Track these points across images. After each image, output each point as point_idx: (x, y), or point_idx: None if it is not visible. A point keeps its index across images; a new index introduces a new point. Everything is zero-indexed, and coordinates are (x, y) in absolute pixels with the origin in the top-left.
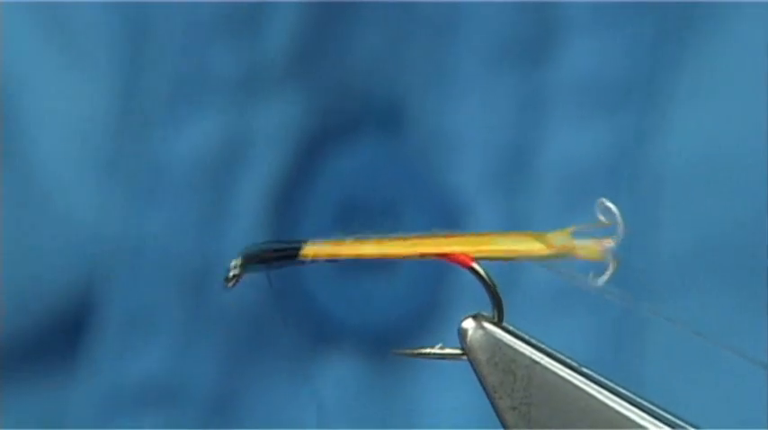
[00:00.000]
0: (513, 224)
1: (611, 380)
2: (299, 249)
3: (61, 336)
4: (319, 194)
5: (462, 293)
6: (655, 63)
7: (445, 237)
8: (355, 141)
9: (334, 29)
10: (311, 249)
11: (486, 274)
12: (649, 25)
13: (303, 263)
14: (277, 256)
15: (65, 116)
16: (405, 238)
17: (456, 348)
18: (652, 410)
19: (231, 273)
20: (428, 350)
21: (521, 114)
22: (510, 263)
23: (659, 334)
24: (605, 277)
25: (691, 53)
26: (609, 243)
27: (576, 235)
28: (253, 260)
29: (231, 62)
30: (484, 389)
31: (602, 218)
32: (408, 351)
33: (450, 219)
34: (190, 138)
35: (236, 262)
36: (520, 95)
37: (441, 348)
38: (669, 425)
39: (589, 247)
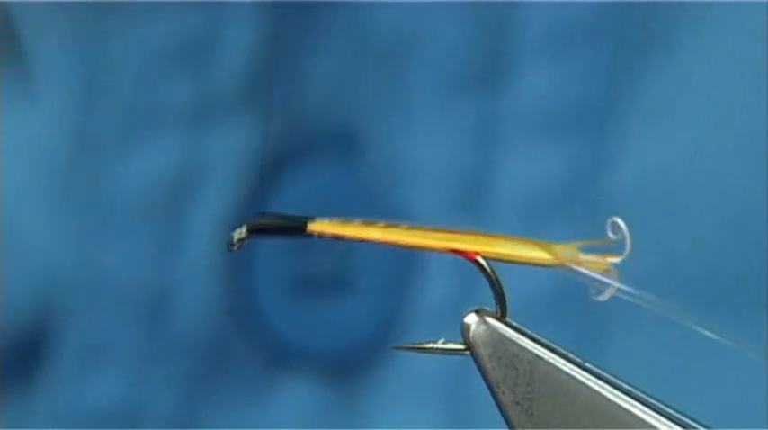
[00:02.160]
0: None
1: (613, 376)
2: (305, 224)
3: (16, 365)
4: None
5: (422, 316)
6: (611, 89)
7: (453, 232)
8: (310, 167)
9: (290, 56)
10: (318, 225)
11: (491, 269)
12: (605, 52)
13: (310, 236)
14: (283, 229)
15: (18, 147)
16: (412, 228)
17: (459, 343)
18: (654, 405)
19: (236, 238)
20: (431, 345)
21: (477, 141)
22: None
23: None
24: (607, 294)
25: (647, 79)
26: (614, 259)
27: (583, 250)
28: (258, 230)
29: (185, 90)
30: (486, 384)
31: (611, 235)
32: (411, 345)
33: None
34: (144, 167)
35: (240, 230)
36: (476, 122)
37: (444, 343)
38: (671, 420)
39: (594, 262)
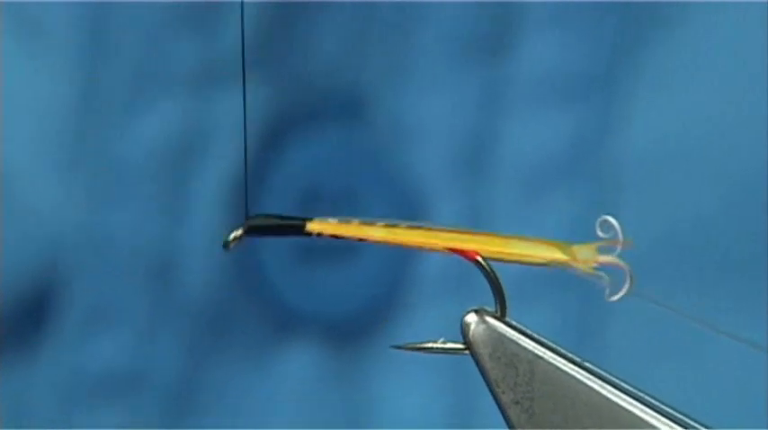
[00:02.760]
0: (474, 214)
1: (613, 375)
2: (303, 224)
3: (22, 327)
4: (280, 184)
5: (424, 283)
6: (616, 55)
7: (459, 232)
8: (315, 132)
9: (296, 20)
10: (317, 225)
11: (491, 269)
12: (611, 17)
13: (308, 235)
14: (282, 229)
15: (24, 110)
16: (414, 227)
17: (458, 342)
18: (654, 405)
19: (231, 238)
20: (430, 345)
21: (481, 106)
22: None
23: (648, 321)
24: (620, 295)
25: (652, 45)
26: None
27: (601, 251)
28: (257, 231)
29: (191, 54)
30: (486, 383)
31: (600, 233)
32: (410, 345)
33: (410, 209)
34: (150, 130)
35: (237, 231)
36: (481, 87)
37: (443, 343)
38: (671, 420)
39: (611, 263)
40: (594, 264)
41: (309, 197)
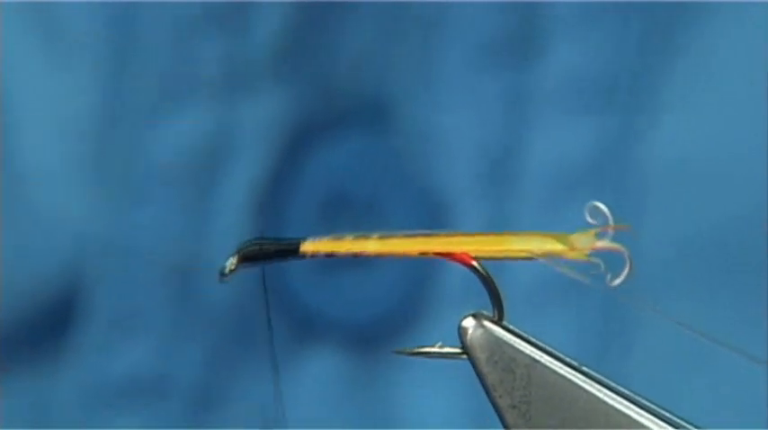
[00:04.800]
0: (499, 222)
1: (611, 379)
2: (297, 246)
3: (47, 332)
4: (305, 191)
5: (450, 292)
6: (642, 62)
7: (451, 235)
8: (341, 138)
9: (321, 26)
10: (310, 245)
11: (487, 273)
12: (637, 24)
13: (303, 257)
14: (276, 254)
15: (50, 114)
16: (407, 236)
17: (456, 347)
18: (652, 409)
19: (227, 269)
20: (428, 349)
21: (507, 114)
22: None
23: (658, 333)
24: (621, 278)
25: (679, 53)
26: (617, 246)
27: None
28: (251, 258)
29: (217, 59)
30: (484, 387)
31: (590, 219)
32: (408, 350)
33: (435, 217)
34: (175, 135)
35: (232, 259)
36: (506, 95)
37: (440, 347)
38: (668, 423)
39: (610, 249)
40: (590, 251)
41: (333, 204)
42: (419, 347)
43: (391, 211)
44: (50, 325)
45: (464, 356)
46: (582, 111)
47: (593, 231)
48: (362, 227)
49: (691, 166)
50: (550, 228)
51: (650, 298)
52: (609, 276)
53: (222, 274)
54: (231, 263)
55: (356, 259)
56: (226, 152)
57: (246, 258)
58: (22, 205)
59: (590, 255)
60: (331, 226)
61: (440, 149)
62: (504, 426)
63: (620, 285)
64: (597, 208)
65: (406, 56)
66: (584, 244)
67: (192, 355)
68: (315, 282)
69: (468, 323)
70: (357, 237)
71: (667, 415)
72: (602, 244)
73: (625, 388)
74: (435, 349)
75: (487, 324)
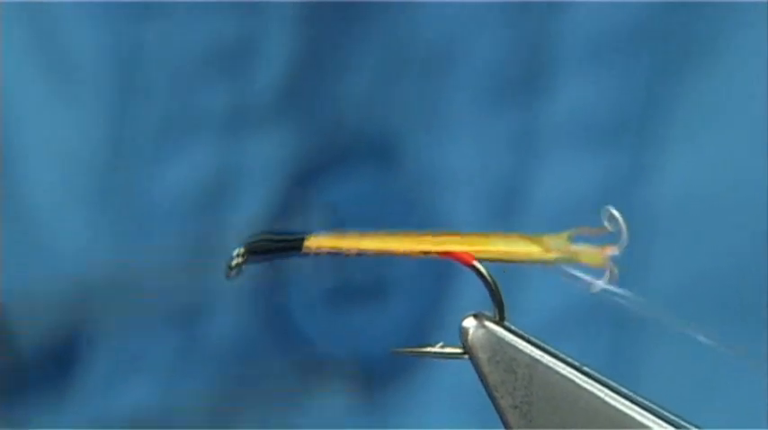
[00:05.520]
0: None
1: (612, 380)
2: (302, 241)
3: (50, 367)
4: (310, 226)
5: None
6: (649, 100)
7: (446, 234)
8: (346, 177)
9: (326, 65)
10: (314, 241)
11: (488, 273)
12: (644, 62)
13: (306, 254)
14: (280, 248)
15: (55, 148)
16: (407, 235)
17: (457, 347)
18: (653, 409)
19: (234, 262)
20: (429, 349)
21: (513, 151)
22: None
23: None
24: (603, 281)
25: (686, 90)
26: (612, 250)
27: (576, 240)
28: (255, 251)
29: (221, 96)
30: (485, 387)
31: (607, 225)
32: (409, 349)
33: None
34: (180, 171)
35: (238, 251)
36: (513, 132)
37: (442, 347)
38: (669, 423)
39: (591, 254)
40: (575, 255)
41: None
42: (420, 347)
43: None
44: (53, 361)
45: (465, 356)
46: (590, 148)
47: (566, 233)
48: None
49: (699, 204)
50: (557, 265)
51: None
52: (590, 278)
53: (229, 268)
54: (237, 255)
55: (360, 295)
56: (231, 188)
57: (252, 251)
58: (27, 238)
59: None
60: (333, 265)
61: (447, 187)
62: (506, 426)
63: (601, 290)
64: (612, 214)
65: (413, 94)
66: (557, 246)
67: (195, 394)
68: (320, 321)
69: (470, 323)
70: (359, 234)
71: (668, 415)
72: (583, 249)
73: (626, 387)
74: (437, 349)
75: (489, 324)
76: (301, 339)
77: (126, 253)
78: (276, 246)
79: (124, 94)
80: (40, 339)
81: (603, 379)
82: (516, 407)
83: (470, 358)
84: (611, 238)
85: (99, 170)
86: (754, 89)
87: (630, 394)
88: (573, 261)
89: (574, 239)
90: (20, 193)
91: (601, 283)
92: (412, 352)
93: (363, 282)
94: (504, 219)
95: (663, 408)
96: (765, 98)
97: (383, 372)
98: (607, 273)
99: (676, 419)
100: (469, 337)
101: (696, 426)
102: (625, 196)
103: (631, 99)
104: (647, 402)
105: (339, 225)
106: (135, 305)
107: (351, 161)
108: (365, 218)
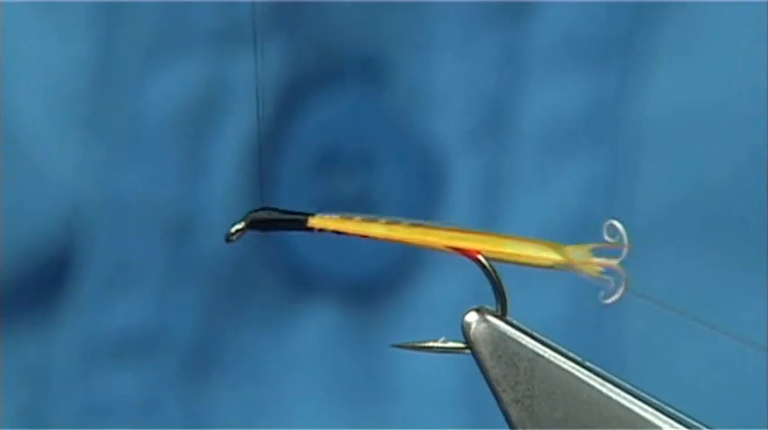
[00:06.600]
0: (493, 176)
1: (614, 375)
2: (306, 219)
3: (42, 289)
4: (298, 144)
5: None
6: (636, 18)
7: (458, 230)
8: (334, 93)
9: None
10: (318, 221)
11: (491, 267)
12: None
13: (310, 230)
14: (284, 224)
15: (42, 70)
16: (414, 226)
17: (459, 341)
18: (655, 404)
19: (234, 229)
20: (431, 343)
21: (501, 69)
22: None
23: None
24: (615, 297)
25: (673, 7)
26: (614, 264)
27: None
28: (259, 225)
29: (210, 13)
30: (487, 382)
31: (608, 238)
32: (410, 344)
33: (428, 172)
34: (169, 89)
35: (239, 226)
36: (500, 51)
37: (444, 341)
38: (672, 418)
39: (605, 265)
40: (600, 268)
41: (326, 160)
42: (422, 342)
43: (385, 168)
44: (45, 280)
45: (467, 351)
46: (576, 67)
47: (588, 246)
48: (355, 182)
49: (685, 122)
50: (544, 183)
51: (646, 253)
52: (602, 294)
53: (228, 236)
54: (238, 227)
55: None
56: (219, 107)
57: (255, 224)
58: (16, 162)
59: (602, 273)
60: (325, 178)
61: (434, 104)
62: (508, 421)
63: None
64: (614, 226)
65: (402, 12)
66: (578, 257)
67: (186, 310)
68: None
69: (472, 318)
70: (365, 220)
71: (670, 409)
72: (599, 260)
73: (628, 382)
74: (438, 343)
75: (491, 318)
76: (292, 255)
77: (116, 170)
78: (279, 225)
79: (111, 11)
80: (32, 260)
81: (606, 374)
82: (518, 401)
83: (472, 352)
84: (614, 252)
85: (86, 88)
86: (744, 7)
87: (633, 389)
88: (590, 273)
89: (595, 252)
90: (7, 118)
91: (616, 296)
92: (413, 346)
93: (356, 195)
94: (490, 135)
95: (665, 403)
96: (755, 15)
97: (373, 291)
98: (623, 286)
99: (678, 414)
100: (472, 332)
101: (697, 424)
102: (612, 114)
103: (619, 16)
104: (648, 397)
105: (323, 146)
106: (125, 221)
107: (338, 77)
108: (352, 134)
